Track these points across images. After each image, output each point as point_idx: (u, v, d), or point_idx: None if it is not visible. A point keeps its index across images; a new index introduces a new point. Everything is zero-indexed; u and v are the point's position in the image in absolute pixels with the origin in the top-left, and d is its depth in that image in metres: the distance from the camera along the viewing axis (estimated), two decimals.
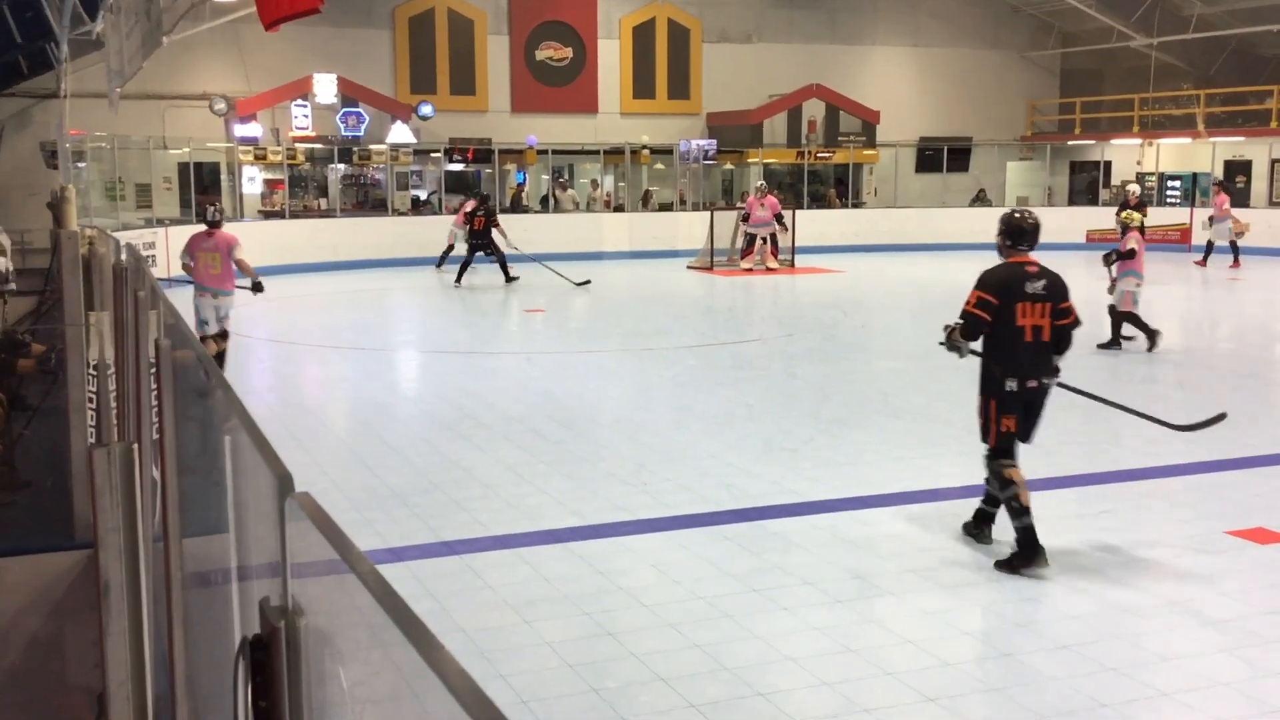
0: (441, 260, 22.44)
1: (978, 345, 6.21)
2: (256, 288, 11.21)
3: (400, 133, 25.52)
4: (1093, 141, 31.24)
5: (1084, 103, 31.43)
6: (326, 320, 15.81)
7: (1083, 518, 6.93)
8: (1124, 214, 13.44)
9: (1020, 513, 5.92)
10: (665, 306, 18.38)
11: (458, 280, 20.02)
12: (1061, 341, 6.18)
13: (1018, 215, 6.35)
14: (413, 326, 16.81)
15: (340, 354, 13.35)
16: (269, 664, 0.94)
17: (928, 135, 31.26)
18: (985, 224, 26.68)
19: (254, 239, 22.48)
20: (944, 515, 6.92)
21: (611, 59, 28.94)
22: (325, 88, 24.59)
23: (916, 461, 8.20)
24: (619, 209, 28.26)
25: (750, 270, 22.22)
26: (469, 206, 20.94)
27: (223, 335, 10.88)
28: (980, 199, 30.97)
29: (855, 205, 29.23)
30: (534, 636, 5.11)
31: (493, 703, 0.71)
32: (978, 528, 6.41)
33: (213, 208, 11.40)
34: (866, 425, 9.52)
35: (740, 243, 22.85)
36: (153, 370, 2.91)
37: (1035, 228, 6.29)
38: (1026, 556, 5.86)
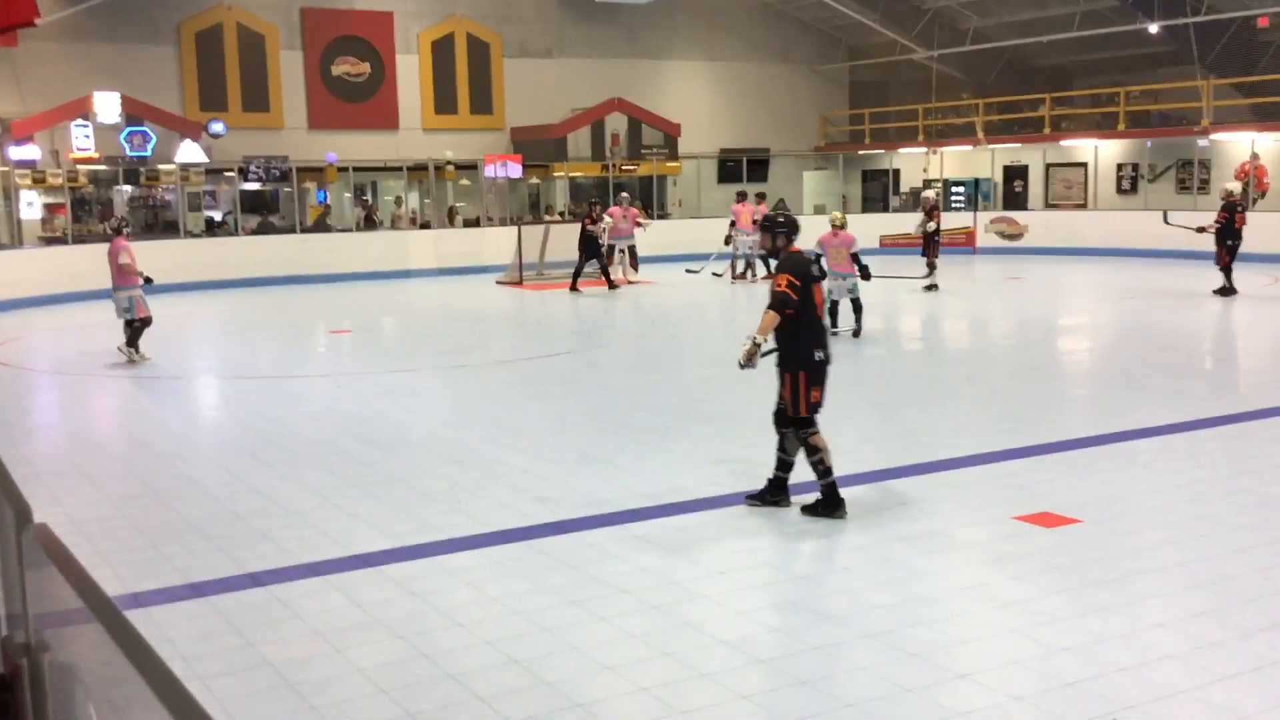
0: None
1: (770, 344, 7.04)
2: (147, 280, 14.00)
3: (190, 151, 24.58)
4: (882, 150, 32.59)
5: (872, 113, 32.75)
6: (116, 348, 15.05)
7: (882, 511, 7.20)
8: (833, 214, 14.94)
9: (826, 473, 6.94)
10: (475, 323, 18.25)
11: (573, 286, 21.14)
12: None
13: (786, 215, 7.40)
14: (211, 352, 16.20)
15: (133, 384, 12.75)
16: (13, 703, 0.88)
17: (727, 147, 32.03)
18: None
19: (35, 266, 21.33)
20: (756, 516, 7.07)
21: (411, 74, 28.61)
22: (107, 106, 23.49)
23: (728, 465, 8.36)
24: (425, 226, 27.94)
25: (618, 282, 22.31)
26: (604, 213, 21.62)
27: (141, 321, 13.89)
28: (780, 208, 31.89)
29: (660, 216, 29.67)
30: (346, 665, 4.98)
31: None
32: (774, 496, 7.15)
33: (117, 219, 15.55)
34: (678, 433, 9.65)
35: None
36: None
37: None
38: (831, 506, 6.95)
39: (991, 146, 29.89)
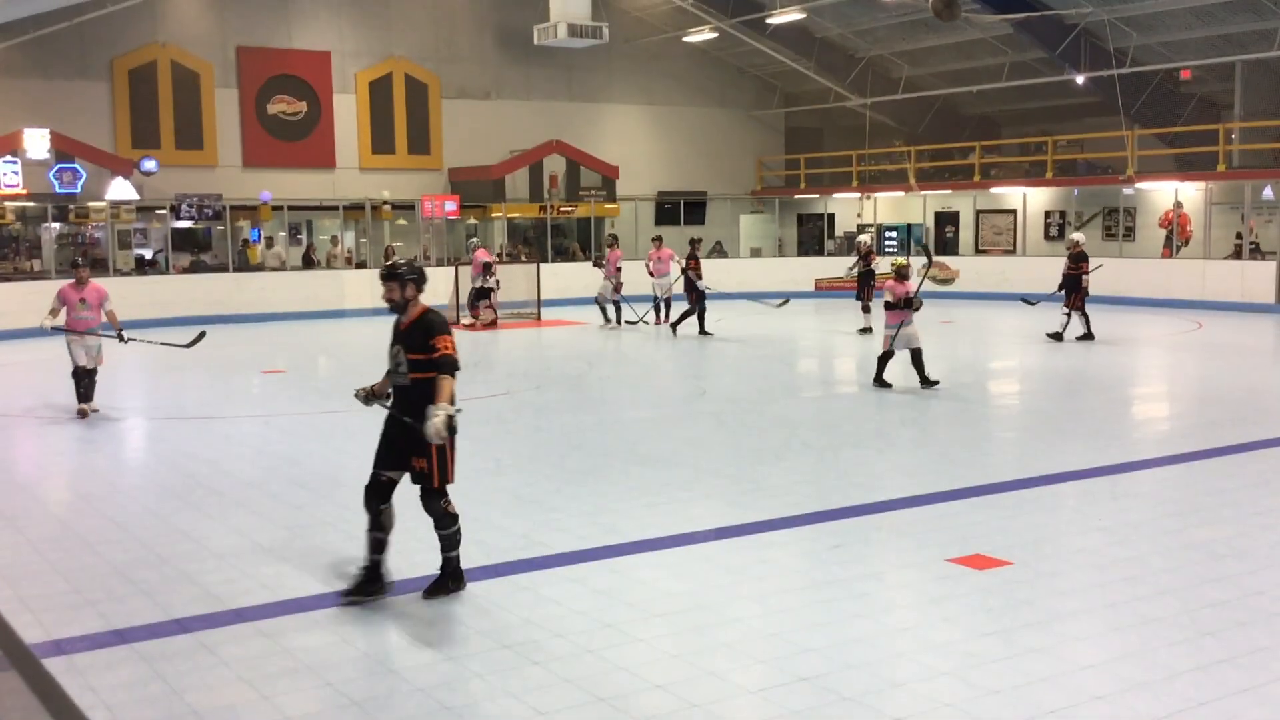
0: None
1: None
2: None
3: (121, 189, 24.26)
4: (816, 195, 33.03)
5: (807, 159, 33.24)
6: (40, 388, 14.74)
7: (815, 554, 7.23)
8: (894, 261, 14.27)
9: (458, 544, 6.40)
10: None
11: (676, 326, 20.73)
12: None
13: (412, 263, 6.61)
14: (139, 392, 15.89)
15: (56, 425, 12.47)
16: None
17: (665, 189, 32.27)
18: (723, 275, 27.37)
19: None
20: (692, 559, 7.07)
21: (348, 114, 28.53)
22: (36, 143, 23.15)
23: (664, 507, 8.36)
24: (361, 265, 27.75)
25: (481, 325, 22.18)
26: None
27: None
28: (717, 250, 32.18)
29: (597, 258, 29.72)
30: (274, 713, 4.89)
31: None
32: (374, 585, 6.33)
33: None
34: (614, 474, 9.63)
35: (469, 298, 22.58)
36: None
37: None
38: (459, 579, 6.44)
39: (923, 193, 30.42)
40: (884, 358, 14.06)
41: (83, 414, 12.51)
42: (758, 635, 5.74)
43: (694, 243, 21.23)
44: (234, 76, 27.19)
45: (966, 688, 5.06)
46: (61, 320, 12.76)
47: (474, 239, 24.11)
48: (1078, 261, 18.59)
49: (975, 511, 8.20)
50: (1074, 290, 18.55)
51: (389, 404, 6.53)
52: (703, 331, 20.19)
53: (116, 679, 5.28)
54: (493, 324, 22.29)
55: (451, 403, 6.19)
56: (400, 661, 5.44)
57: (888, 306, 13.90)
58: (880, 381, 13.97)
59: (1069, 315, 18.72)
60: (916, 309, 13.84)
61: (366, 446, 11.12)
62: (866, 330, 20.34)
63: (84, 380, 12.65)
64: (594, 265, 22.35)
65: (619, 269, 21.77)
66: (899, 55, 30.35)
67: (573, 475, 9.55)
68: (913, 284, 13.99)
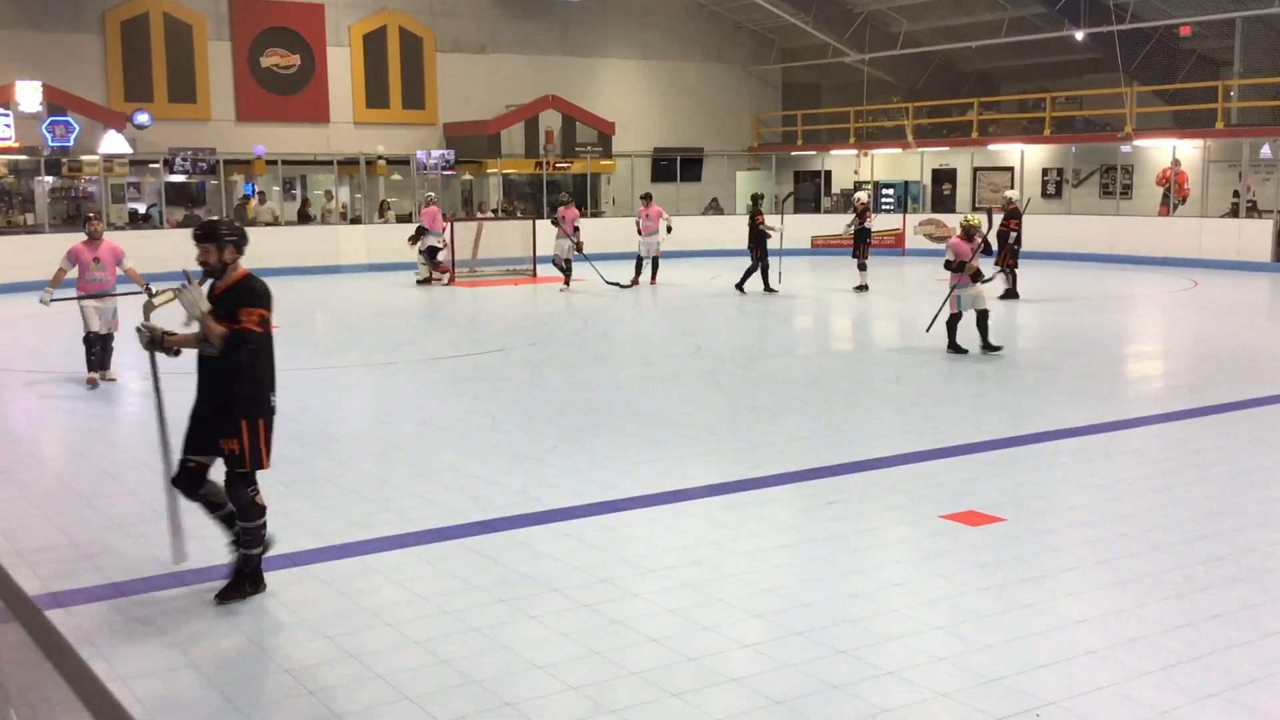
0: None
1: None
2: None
3: (114, 142, 24.10)
4: (814, 152, 32.88)
5: (804, 115, 33.04)
6: (35, 344, 14.72)
7: (810, 510, 7.27)
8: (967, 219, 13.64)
9: (263, 540, 5.78)
10: (407, 319, 18.11)
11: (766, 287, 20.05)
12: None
13: (233, 222, 6.04)
14: (132, 348, 15.88)
15: (51, 380, 12.46)
16: None
17: (661, 145, 32.11)
18: (716, 232, 27.33)
19: None
20: (687, 515, 7.11)
21: (342, 67, 28.31)
22: (28, 95, 22.96)
23: (660, 463, 8.39)
24: (355, 221, 27.65)
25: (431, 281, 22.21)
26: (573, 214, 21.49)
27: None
28: (713, 207, 32.11)
29: (594, 214, 29.65)
30: (272, 665, 4.92)
31: None
32: (253, 584, 5.77)
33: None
34: (609, 431, 9.65)
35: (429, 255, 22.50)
36: None
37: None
38: (258, 580, 5.78)
39: (920, 150, 30.28)
40: (953, 321, 13.41)
41: (92, 383, 11.80)
42: (753, 590, 5.78)
43: (756, 199, 20.76)
44: (227, 29, 26.94)
45: (959, 642, 5.10)
46: (70, 285, 11.87)
47: (430, 194, 23.88)
48: (1008, 219, 18.64)
49: (969, 468, 8.24)
50: (1003, 248, 18.56)
51: (174, 354, 6.06)
52: (768, 289, 19.97)
53: (114, 631, 5.31)
54: (428, 280, 22.38)
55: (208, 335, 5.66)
56: (397, 615, 5.47)
57: (948, 267, 13.34)
58: (955, 347, 13.30)
59: (1006, 271, 18.67)
60: (985, 281, 13.34)
61: (363, 401, 11.20)
62: (863, 288, 20.34)
63: (95, 346, 11.89)
64: (553, 224, 22.10)
65: (576, 228, 21.57)
66: (898, 10, 30.11)
67: (568, 432, 9.57)
68: (977, 244, 13.32)
